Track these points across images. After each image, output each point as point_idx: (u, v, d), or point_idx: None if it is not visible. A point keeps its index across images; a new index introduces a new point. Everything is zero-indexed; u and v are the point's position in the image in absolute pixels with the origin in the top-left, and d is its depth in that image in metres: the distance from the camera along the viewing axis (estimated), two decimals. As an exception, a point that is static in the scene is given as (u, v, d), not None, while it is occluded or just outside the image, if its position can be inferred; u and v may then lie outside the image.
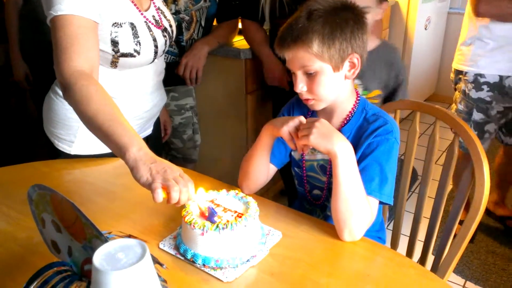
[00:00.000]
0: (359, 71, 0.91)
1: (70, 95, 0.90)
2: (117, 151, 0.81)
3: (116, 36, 1.06)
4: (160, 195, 0.74)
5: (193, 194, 0.78)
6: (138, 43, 1.10)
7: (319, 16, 0.86)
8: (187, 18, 1.64)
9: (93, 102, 0.86)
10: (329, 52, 0.86)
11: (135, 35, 1.09)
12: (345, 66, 0.90)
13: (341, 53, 0.87)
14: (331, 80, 0.89)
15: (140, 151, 0.78)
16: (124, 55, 1.09)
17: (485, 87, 1.67)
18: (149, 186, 0.75)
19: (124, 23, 1.07)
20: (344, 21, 0.87)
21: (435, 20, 3.18)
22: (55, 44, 0.94)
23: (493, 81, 1.66)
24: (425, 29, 3.07)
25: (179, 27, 1.63)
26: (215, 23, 1.79)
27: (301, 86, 0.90)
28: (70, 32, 0.94)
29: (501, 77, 1.65)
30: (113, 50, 1.07)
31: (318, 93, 0.90)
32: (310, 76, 0.89)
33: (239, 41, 1.85)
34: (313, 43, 0.85)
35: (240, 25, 1.77)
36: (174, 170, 0.77)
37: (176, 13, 1.62)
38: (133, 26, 1.08)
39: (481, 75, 1.67)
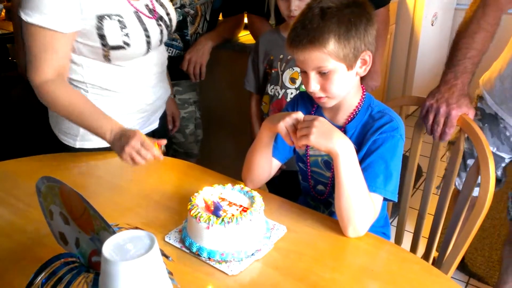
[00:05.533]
0: (370, 68, 0.91)
1: (41, 99, 1.07)
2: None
3: (101, 30, 1.05)
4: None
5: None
6: (127, 35, 1.08)
7: (333, 15, 0.84)
8: (192, 12, 1.64)
9: (60, 104, 1.06)
10: (344, 51, 0.85)
11: (123, 27, 1.07)
12: (358, 63, 0.89)
13: (355, 51, 0.86)
14: (344, 78, 0.89)
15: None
16: (114, 48, 1.08)
17: (478, 113, 1.26)
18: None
19: (110, 15, 1.06)
20: (358, 18, 0.86)
21: (442, 16, 3.15)
22: (26, 47, 1.03)
23: (488, 112, 1.24)
24: (432, 25, 3.05)
25: (184, 21, 1.63)
26: (221, 17, 1.79)
27: (314, 86, 0.89)
28: (40, 43, 1.02)
29: (496, 113, 1.22)
30: (102, 44, 1.07)
31: (332, 91, 0.89)
32: (324, 75, 0.88)
33: (244, 36, 1.85)
34: (329, 43, 0.84)
35: (246, 20, 1.77)
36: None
37: (181, 7, 1.62)
38: (120, 17, 1.07)
39: (481, 98, 1.27)
